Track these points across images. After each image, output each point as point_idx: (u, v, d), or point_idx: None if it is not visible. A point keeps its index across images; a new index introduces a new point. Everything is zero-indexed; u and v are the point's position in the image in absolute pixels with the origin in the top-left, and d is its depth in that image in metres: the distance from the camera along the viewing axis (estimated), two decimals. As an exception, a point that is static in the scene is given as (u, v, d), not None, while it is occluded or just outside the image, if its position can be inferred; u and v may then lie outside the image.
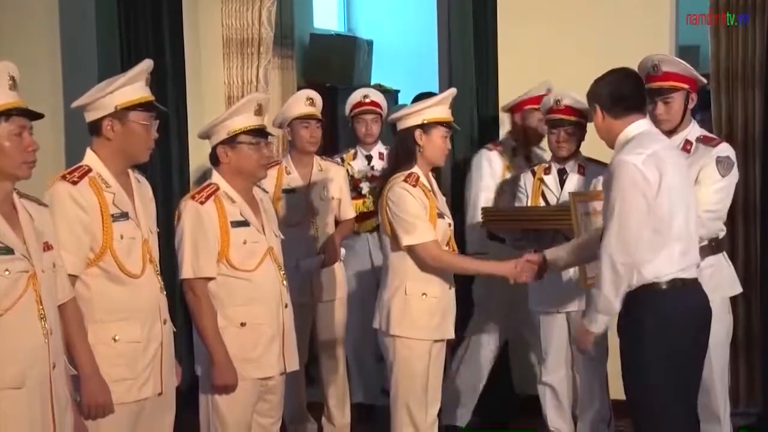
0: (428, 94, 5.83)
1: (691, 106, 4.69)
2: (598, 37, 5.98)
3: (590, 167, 5.21)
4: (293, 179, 5.66)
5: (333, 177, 5.75)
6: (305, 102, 5.66)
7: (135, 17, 6.73)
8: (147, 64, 3.85)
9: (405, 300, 4.55)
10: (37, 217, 3.35)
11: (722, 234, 4.75)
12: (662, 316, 4.01)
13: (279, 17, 6.85)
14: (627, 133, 4.08)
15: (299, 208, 5.62)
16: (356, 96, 6.28)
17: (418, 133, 4.57)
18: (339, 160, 6.22)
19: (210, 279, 4.17)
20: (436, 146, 4.59)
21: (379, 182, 4.76)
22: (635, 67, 4.52)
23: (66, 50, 6.91)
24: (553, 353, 5.30)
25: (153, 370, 3.78)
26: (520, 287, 4.97)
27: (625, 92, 4.12)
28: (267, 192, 4.65)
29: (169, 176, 6.70)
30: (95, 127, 3.79)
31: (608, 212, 4.00)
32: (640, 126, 4.11)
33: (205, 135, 4.34)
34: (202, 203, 4.16)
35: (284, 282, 4.31)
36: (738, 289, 4.87)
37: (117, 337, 3.70)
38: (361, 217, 6.10)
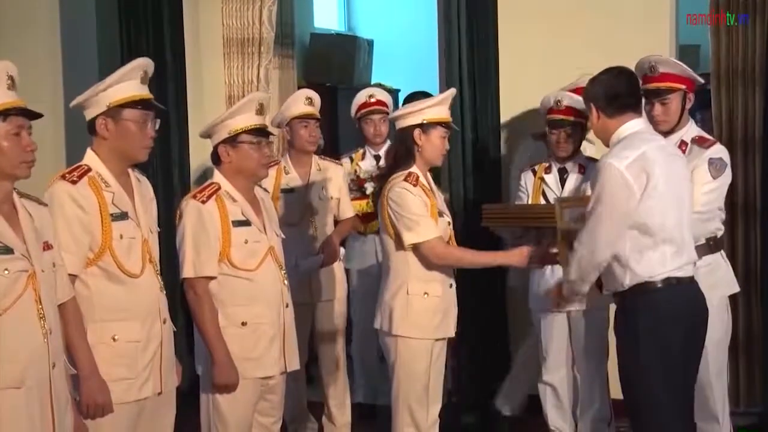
0: (422, 94, 5.85)
1: (688, 106, 4.69)
2: (598, 36, 5.98)
3: (590, 166, 5.20)
4: (292, 179, 5.66)
5: (332, 176, 5.75)
6: (304, 101, 5.66)
7: (135, 17, 6.75)
8: (140, 62, 3.84)
9: (407, 300, 4.55)
10: (37, 216, 3.35)
11: (720, 233, 4.75)
12: (656, 314, 4.03)
13: (279, 17, 6.86)
14: (620, 133, 4.10)
15: (298, 207, 5.62)
16: (361, 96, 6.26)
17: (417, 132, 4.58)
18: (348, 159, 6.22)
19: (211, 278, 4.17)
20: (434, 146, 4.60)
21: (378, 182, 4.76)
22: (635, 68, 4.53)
23: (67, 49, 6.93)
24: (553, 353, 5.30)
25: (153, 370, 3.78)
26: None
27: (620, 91, 4.14)
28: (268, 191, 4.65)
29: (169, 175, 6.71)
30: (92, 126, 3.80)
31: (590, 210, 4.06)
32: (634, 125, 4.12)
33: (207, 134, 4.34)
34: (203, 202, 4.17)
35: (285, 281, 4.32)
36: (735, 288, 4.87)
37: (116, 337, 3.70)
38: (367, 217, 6.08)
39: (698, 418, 4.73)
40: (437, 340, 4.63)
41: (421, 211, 4.49)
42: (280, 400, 4.42)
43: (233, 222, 4.19)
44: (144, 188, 3.92)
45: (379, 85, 9.31)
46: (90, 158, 3.78)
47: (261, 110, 4.29)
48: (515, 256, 4.59)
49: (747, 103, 5.75)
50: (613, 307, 4.41)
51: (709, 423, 4.75)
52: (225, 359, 4.13)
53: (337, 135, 8.51)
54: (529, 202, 5.33)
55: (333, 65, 8.93)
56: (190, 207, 4.18)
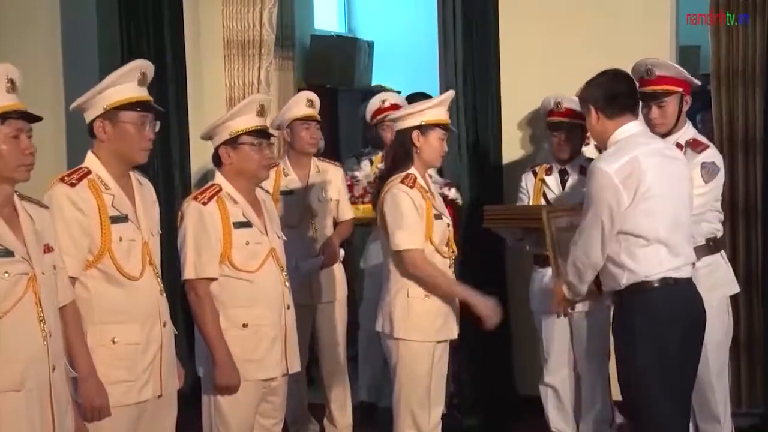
0: (422, 95, 5.85)
1: (685, 108, 4.69)
2: (598, 37, 5.97)
3: (591, 168, 5.21)
4: (291, 181, 5.66)
5: (331, 178, 5.75)
6: (305, 103, 5.66)
7: (136, 18, 6.75)
8: (137, 64, 3.83)
9: (407, 302, 4.55)
10: (38, 219, 3.35)
11: (719, 234, 4.76)
12: (653, 314, 4.05)
13: (280, 19, 6.86)
14: (616, 136, 4.12)
15: (297, 209, 5.62)
16: (375, 102, 6.25)
17: (415, 134, 4.58)
18: (368, 161, 6.21)
19: (212, 280, 4.17)
20: (433, 148, 4.60)
21: (378, 184, 4.76)
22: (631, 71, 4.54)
23: (67, 52, 6.93)
24: (554, 354, 5.30)
25: (152, 373, 3.77)
26: None
27: (619, 92, 4.15)
28: (269, 193, 4.65)
29: (170, 177, 6.71)
30: (91, 129, 3.80)
31: (583, 213, 4.10)
32: (631, 128, 4.13)
33: (208, 136, 4.35)
34: (204, 204, 4.17)
35: (287, 283, 4.31)
36: (735, 288, 4.88)
37: (116, 339, 3.70)
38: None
39: (700, 419, 4.75)
40: (439, 342, 4.62)
41: (411, 217, 4.49)
42: (282, 402, 4.42)
43: (234, 223, 4.19)
44: (146, 191, 3.92)
45: (380, 87, 9.34)
46: (90, 161, 3.78)
47: (262, 112, 4.29)
48: (483, 305, 4.54)
49: (747, 104, 5.75)
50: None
51: (710, 424, 4.75)
52: (226, 361, 4.13)
53: (338, 137, 8.51)
54: (530, 204, 5.33)
55: (333, 67, 8.92)
56: (191, 208, 4.18)
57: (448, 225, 4.67)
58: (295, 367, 4.38)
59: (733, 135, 5.76)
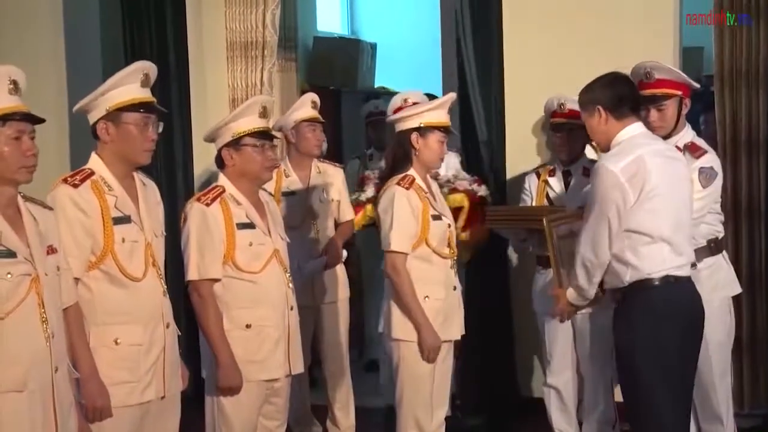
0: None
1: (684, 112, 4.69)
2: (601, 39, 5.97)
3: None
4: (292, 182, 5.66)
5: (332, 179, 5.75)
6: (311, 105, 5.67)
7: (139, 21, 6.76)
8: (139, 65, 3.84)
9: (399, 303, 4.56)
10: (42, 220, 3.35)
11: (720, 235, 4.77)
12: (654, 312, 4.07)
13: (282, 20, 6.85)
14: (620, 137, 4.13)
15: (299, 210, 5.62)
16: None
17: (414, 136, 4.59)
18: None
19: (216, 281, 4.17)
20: (431, 150, 4.61)
21: (379, 185, 4.78)
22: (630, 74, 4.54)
23: (70, 54, 6.93)
24: (557, 355, 5.30)
25: (155, 374, 3.78)
26: None
27: (625, 94, 4.18)
28: (272, 195, 4.66)
29: (173, 179, 6.72)
30: (94, 130, 3.81)
31: (587, 213, 4.11)
32: (635, 129, 4.16)
33: (211, 138, 4.35)
34: (207, 205, 4.17)
35: (290, 284, 4.32)
36: (737, 289, 4.88)
37: (119, 340, 3.70)
38: None
39: (702, 419, 4.75)
40: (442, 342, 4.62)
41: (402, 219, 4.51)
42: (285, 404, 4.41)
43: (238, 224, 4.19)
44: (149, 192, 3.92)
45: (382, 89, 9.35)
46: (94, 162, 3.79)
47: (264, 113, 4.29)
48: (430, 339, 4.52)
49: (751, 105, 5.75)
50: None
51: (713, 424, 4.75)
52: (229, 362, 4.13)
53: (341, 138, 8.51)
54: (533, 205, 5.33)
55: (336, 68, 8.94)
56: (194, 210, 4.18)
57: (449, 226, 4.67)
58: (299, 368, 4.38)
59: (736, 136, 5.76)
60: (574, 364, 5.31)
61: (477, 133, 6.24)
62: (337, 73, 8.93)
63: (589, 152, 5.42)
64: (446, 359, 4.70)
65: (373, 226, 6.01)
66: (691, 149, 4.62)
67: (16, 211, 3.28)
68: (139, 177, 3.89)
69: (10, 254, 3.18)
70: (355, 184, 6.23)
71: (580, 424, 5.37)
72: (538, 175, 5.37)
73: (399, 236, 4.51)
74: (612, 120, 4.13)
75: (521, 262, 5.98)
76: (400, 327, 4.57)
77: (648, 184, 4.01)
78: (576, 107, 5.06)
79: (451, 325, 4.67)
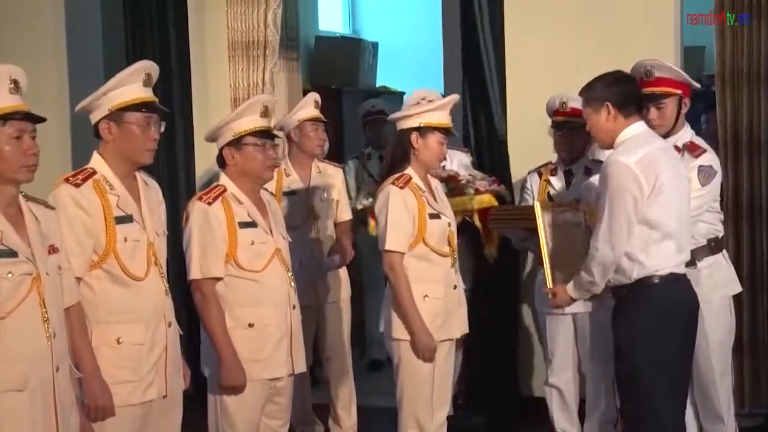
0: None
1: (684, 111, 4.68)
2: (603, 38, 5.97)
3: (596, 168, 5.20)
4: (293, 181, 5.66)
5: (331, 179, 5.76)
6: (314, 105, 5.67)
7: (140, 20, 6.76)
8: (141, 65, 3.85)
9: (394, 302, 4.56)
10: (44, 220, 3.35)
11: (720, 234, 4.77)
12: (657, 307, 4.09)
13: (284, 20, 6.85)
14: (625, 134, 4.14)
15: (300, 210, 5.62)
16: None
17: (414, 135, 4.59)
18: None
19: (218, 279, 4.18)
20: (431, 150, 4.60)
21: (376, 185, 4.79)
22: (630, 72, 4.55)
23: (72, 53, 6.94)
24: (559, 355, 5.30)
25: (157, 373, 3.78)
26: None
27: (633, 92, 4.21)
28: (274, 194, 4.66)
29: (175, 178, 6.72)
30: (96, 130, 3.81)
31: (601, 210, 4.09)
32: (639, 127, 4.18)
33: (212, 137, 4.35)
34: (209, 204, 4.17)
35: (292, 283, 4.32)
36: (737, 288, 4.88)
37: (121, 340, 3.70)
38: None
39: (703, 418, 4.76)
40: (442, 341, 4.62)
41: (397, 218, 4.51)
42: (288, 403, 4.42)
43: (239, 223, 4.19)
44: (151, 191, 3.93)
45: (384, 88, 9.34)
46: (96, 161, 3.79)
47: (266, 112, 4.30)
48: (424, 342, 4.51)
49: (752, 104, 5.75)
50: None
51: (714, 423, 4.75)
52: (232, 360, 4.13)
53: (342, 137, 8.51)
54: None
55: (338, 68, 8.94)
56: (196, 208, 4.19)
57: (449, 224, 4.67)
58: (301, 367, 4.38)
59: (737, 136, 5.76)
60: (575, 363, 5.31)
61: (477, 132, 6.23)
62: (338, 73, 8.93)
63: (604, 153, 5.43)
64: (447, 358, 4.70)
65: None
66: (690, 148, 4.62)
67: (18, 210, 3.28)
68: (141, 176, 3.89)
69: (12, 254, 3.19)
70: (355, 183, 6.23)
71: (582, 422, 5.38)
72: (540, 175, 5.38)
73: (394, 235, 4.51)
74: (620, 118, 4.14)
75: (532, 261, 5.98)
76: (400, 327, 4.57)
77: (659, 178, 4.03)
78: (578, 106, 5.06)
79: (452, 324, 4.66)
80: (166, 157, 6.56)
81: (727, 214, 5.18)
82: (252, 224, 4.23)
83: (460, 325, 4.73)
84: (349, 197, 6.23)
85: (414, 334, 4.53)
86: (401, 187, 4.54)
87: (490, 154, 6.22)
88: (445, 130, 4.64)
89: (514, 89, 6.18)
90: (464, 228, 5.40)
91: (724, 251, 4.83)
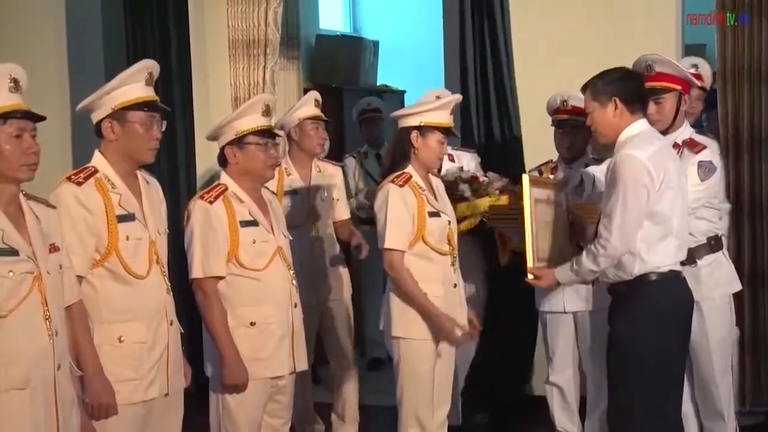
0: None
1: (683, 107, 4.68)
2: (604, 36, 5.98)
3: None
4: (294, 180, 5.65)
5: (331, 178, 5.75)
6: (314, 103, 5.67)
7: (141, 19, 6.76)
8: (144, 64, 3.85)
9: (406, 300, 4.56)
10: (45, 218, 3.36)
11: (720, 232, 4.77)
12: (656, 304, 4.10)
13: (285, 18, 6.86)
14: (630, 130, 4.13)
15: (301, 209, 5.62)
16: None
17: (414, 134, 4.59)
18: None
19: (220, 278, 4.18)
20: (431, 150, 4.60)
21: (375, 185, 4.79)
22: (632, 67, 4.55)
23: (72, 52, 6.94)
24: (559, 353, 5.30)
25: (159, 371, 3.78)
26: None
27: (640, 89, 4.21)
28: (275, 194, 4.66)
29: (176, 177, 6.72)
30: (98, 129, 3.81)
31: (611, 203, 4.06)
32: (642, 125, 4.18)
33: (213, 136, 4.36)
34: (210, 203, 4.18)
35: (294, 282, 4.32)
36: (738, 286, 4.88)
37: (122, 338, 3.71)
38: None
39: (704, 416, 4.76)
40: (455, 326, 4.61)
41: (396, 216, 4.50)
42: (289, 401, 4.42)
43: (241, 222, 4.20)
44: (152, 190, 3.93)
45: (385, 87, 9.33)
46: (97, 160, 3.80)
47: (267, 111, 4.30)
48: (447, 327, 4.53)
49: (753, 102, 5.75)
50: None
51: (715, 421, 4.76)
52: (234, 359, 4.13)
53: (343, 136, 8.51)
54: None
55: (338, 66, 8.93)
56: (197, 207, 4.19)
57: (449, 223, 4.67)
58: (303, 365, 4.39)
59: (738, 134, 5.77)
60: (576, 361, 5.31)
61: (489, 131, 6.24)
62: (339, 71, 8.92)
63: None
64: (448, 357, 4.70)
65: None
66: (690, 145, 4.62)
67: (18, 209, 3.29)
68: (142, 175, 3.90)
69: (12, 252, 3.19)
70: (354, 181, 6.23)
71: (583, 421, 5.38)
72: (541, 173, 5.37)
73: (393, 233, 4.51)
74: (626, 113, 4.14)
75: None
76: (400, 324, 4.57)
77: (667, 175, 4.05)
78: (579, 104, 5.06)
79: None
80: (167, 156, 6.56)
81: (728, 213, 5.18)
82: (253, 223, 4.23)
83: (462, 324, 4.71)
84: (348, 196, 6.23)
85: (434, 324, 4.53)
86: (401, 186, 4.53)
87: (503, 154, 6.20)
88: (445, 130, 4.63)
89: (522, 89, 6.18)
90: (477, 229, 5.39)
91: (725, 249, 4.83)
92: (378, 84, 9.47)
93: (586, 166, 5.21)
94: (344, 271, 5.75)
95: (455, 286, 4.66)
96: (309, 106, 5.66)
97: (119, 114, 3.76)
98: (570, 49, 6.04)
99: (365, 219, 6.57)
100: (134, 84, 3.79)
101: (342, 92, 8.76)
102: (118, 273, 3.71)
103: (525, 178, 4.40)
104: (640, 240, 4.06)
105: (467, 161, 5.77)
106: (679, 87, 4.63)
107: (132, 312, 3.73)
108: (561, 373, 5.31)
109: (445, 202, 4.75)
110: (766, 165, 5.76)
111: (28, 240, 3.25)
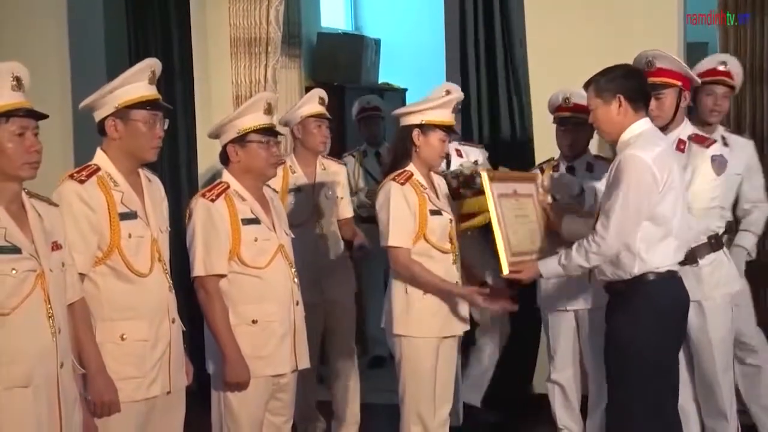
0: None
1: (683, 104, 4.68)
2: (606, 35, 5.98)
3: (598, 165, 5.21)
4: (298, 178, 5.65)
5: (336, 176, 5.75)
6: (318, 101, 5.66)
7: (143, 17, 6.77)
8: (148, 63, 3.86)
9: (406, 298, 4.57)
10: (47, 216, 3.36)
11: (721, 231, 4.77)
12: (657, 305, 4.10)
13: (286, 16, 6.86)
14: (633, 129, 4.13)
15: (305, 206, 5.62)
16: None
17: (416, 132, 4.59)
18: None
19: (221, 276, 4.18)
20: (432, 148, 4.60)
21: (375, 184, 4.79)
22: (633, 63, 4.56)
23: (74, 50, 6.94)
24: (561, 351, 5.30)
25: (161, 369, 3.79)
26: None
27: (644, 87, 4.21)
28: (277, 191, 4.66)
29: (177, 175, 6.73)
30: (101, 127, 3.82)
31: (611, 202, 4.05)
32: (645, 123, 4.17)
33: (215, 134, 4.35)
34: (212, 201, 4.18)
35: (295, 279, 4.32)
36: (738, 285, 4.89)
37: (125, 336, 3.71)
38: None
39: (706, 415, 4.77)
40: (445, 338, 4.62)
41: (399, 214, 4.50)
42: (291, 399, 4.42)
43: (243, 220, 4.20)
44: (154, 188, 3.94)
45: (386, 85, 9.33)
46: (99, 158, 3.81)
47: (269, 110, 4.30)
48: (468, 293, 4.55)
49: (755, 101, 5.76)
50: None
51: (716, 420, 4.77)
52: (237, 357, 4.13)
53: (345, 134, 8.51)
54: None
55: (340, 65, 8.94)
56: (199, 205, 4.19)
57: (450, 221, 4.67)
58: (305, 363, 4.39)
59: (740, 132, 5.76)
60: (577, 359, 5.31)
61: (495, 129, 6.24)
62: (340, 70, 8.93)
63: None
64: (450, 355, 4.70)
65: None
66: (698, 140, 4.62)
67: (21, 207, 3.29)
68: (143, 173, 3.90)
69: (15, 250, 3.19)
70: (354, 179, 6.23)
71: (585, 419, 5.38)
72: (542, 171, 5.37)
73: (396, 231, 4.51)
74: (630, 111, 4.13)
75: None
76: (401, 323, 4.57)
77: (670, 176, 4.05)
78: (581, 102, 5.07)
79: (453, 321, 4.66)
80: (168, 154, 6.56)
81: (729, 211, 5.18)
82: (255, 221, 4.23)
83: (462, 323, 4.72)
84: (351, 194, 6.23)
85: (459, 295, 4.56)
86: (402, 183, 4.53)
87: (508, 151, 6.20)
88: (446, 128, 4.63)
89: (515, 87, 6.19)
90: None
91: (725, 248, 4.83)
92: (379, 82, 9.47)
93: (588, 164, 5.22)
94: (348, 269, 5.74)
95: (457, 283, 4.65)
96: (313, 103, 5.65)
97: (122, 112, 3.77)
98: (570, 49, 6.04)
99: (366, 218, 6.59)
100: (137, 83, 3.79)
101: (343, 90, 8.76)
102: (120, 271, 3.72)
103: (484, 175, 4.40)
104: (640, 240, 4.06)
105: (476, 156, 5.76)
106: (679, 83, 4.63)
107: (134, 310, 3.73)
108: (562, 371, 5.31)
109: (446, 200, 4.76)
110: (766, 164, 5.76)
111: (30, 238, 3.25)
